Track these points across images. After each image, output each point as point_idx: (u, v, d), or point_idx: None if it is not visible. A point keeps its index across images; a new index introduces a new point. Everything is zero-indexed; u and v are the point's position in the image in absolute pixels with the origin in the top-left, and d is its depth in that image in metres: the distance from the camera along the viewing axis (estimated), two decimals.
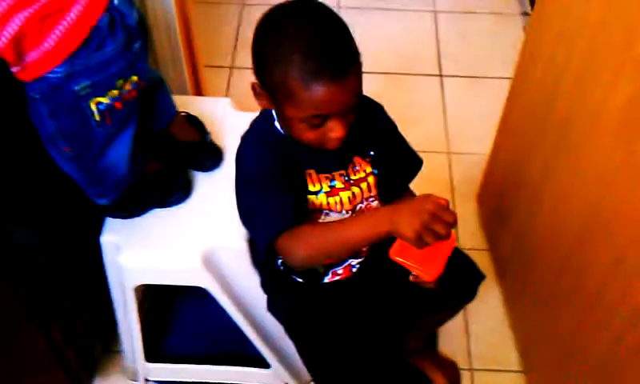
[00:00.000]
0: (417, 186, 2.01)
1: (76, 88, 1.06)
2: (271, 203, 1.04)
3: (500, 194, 1.76)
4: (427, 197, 0.94)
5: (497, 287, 1.78)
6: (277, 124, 1.09)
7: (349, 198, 1.14)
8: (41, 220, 1.27)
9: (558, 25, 1.31)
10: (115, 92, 1.10)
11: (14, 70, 1.04)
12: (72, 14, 1.00)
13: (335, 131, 0.99)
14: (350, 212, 1.15)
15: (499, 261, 1.78)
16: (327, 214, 1.14)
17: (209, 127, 1.45)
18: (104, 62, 1.06)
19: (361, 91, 1.01)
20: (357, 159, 1.15)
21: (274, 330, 1.44)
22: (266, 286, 1.33)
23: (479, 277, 1.31)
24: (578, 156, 1.25)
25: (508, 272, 1.72)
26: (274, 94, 1.00)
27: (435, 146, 2.13)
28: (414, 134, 2.06)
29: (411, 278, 1.06)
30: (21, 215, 1.20)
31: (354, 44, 0.98)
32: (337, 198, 1.13)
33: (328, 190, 1.12)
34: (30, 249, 1.25)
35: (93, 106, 1.09)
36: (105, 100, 1.10)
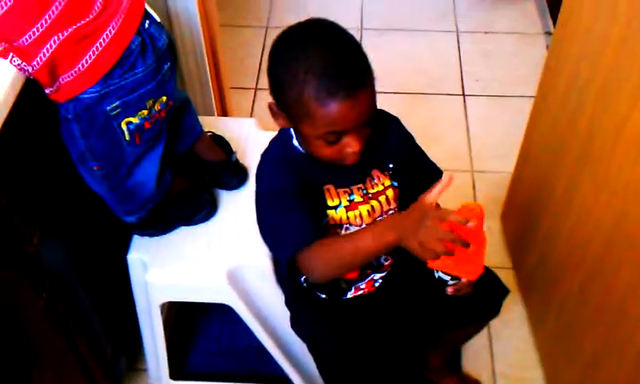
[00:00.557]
0: (443, 205, 2.01)
1: (108, 108, 1.08)
2: (290, 220, 1.06)
3: (524, 211, 1.75)
4: (426, 209, 0.93)
5: (521, 306, 1.76)
6: (295, 142, 1.11)
7: (368, 211, 1.15)
8: (70, 237, 1.30)
9: (581, 42, 1.31)
10: (145, 112, 1.13)
11: (48, 91, 1.07)
12: (105, 36, 1.03)
13: (352, 146, 1.01)
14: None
15: (524, 279, 1.77)
16: (347, 229, 1.15)
17: (234, 147, 1.47)
18: (135, 82, 1.09)
19: (375, 105, 1.02)
20: (375, 172, 1.16)
21: (298, 348, 1.45)
22: (289, 303, 1.34)
23: (504, 292, 1.31)
24: (602, 171, 1.25)
25: (532, 290, 1.71)
26: (291, 113, 1.03)
27: (459, 165, 2.14)
28: (437, 153, 2.06)
29: (449, 290, 1.09)
30: (51, 232, 1.23)
31: (367, 60, 1.00)
32: (356, 212, 1.14)
33: (347, 204, 1.13)
34: (60, 265, 1.27)
35: (123, 126, 1.12)
36: (135, 120, 1.12)
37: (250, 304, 1.38)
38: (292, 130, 1.10)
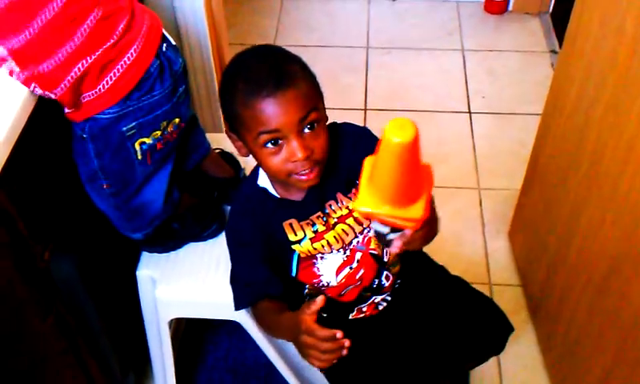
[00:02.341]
0: (449, 222, 2.01)
1: (124, 129, 1.09)
2: (244, 275, 1.15)
3: (532, 229, 1.75)
4: (299, 327, 0.97)
5: (530, 324, 1.75)
6: (259, 181, 1.13)
7: (335, 237, 1.14)
8: (80, 253, 1.30)
9: (588, 60, 1.32)
10: (158, 133, 1.14)
11: (67, 110, 1.08)
12: (126, 59, 1.04)
13: (296, 154, 0.99)
14: (342, 250, 1.16)
15: (532, 297, 1.76)
16: (323, 257, 1.16)
17: (242, 163, 1.48)
18: (152, 104, 1.10)
19: (312, 109, 1.00)
20: (339, 196, 1.14)
21: (306, 365, 1.44)
22: None
23: (509, 329, 1.28)
24: (610, 189, 1.25)
25: (541, 308, 1.70)
26: (236, 130, 1.05)
27: (465, 182, 2.14)
28: (444, 170, 2.10)
29: (394, 248, 0.89)
30: (60, 248, 1.23)
31: (302, 68, 1.01)
32: (323, 242, 1.14)
33: (312, 235, 1.13)
34: (69, 281, 1.28)
35: (137, 146, 1.13)
36: (148, 140, 1.13)
37: None
38: (259, 168, 1.12)
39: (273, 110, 0.97)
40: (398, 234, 0.87)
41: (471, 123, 2.36)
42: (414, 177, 0.80)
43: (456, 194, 2.07)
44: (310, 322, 0.95)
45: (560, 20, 2.66)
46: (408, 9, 2.87)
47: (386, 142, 0.75)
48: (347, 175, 1.14)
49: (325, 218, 1.14)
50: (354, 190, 1.14)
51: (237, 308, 1.18)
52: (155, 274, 1.35)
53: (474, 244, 1.96)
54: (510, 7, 2.82)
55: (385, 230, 0.86)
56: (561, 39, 2.60)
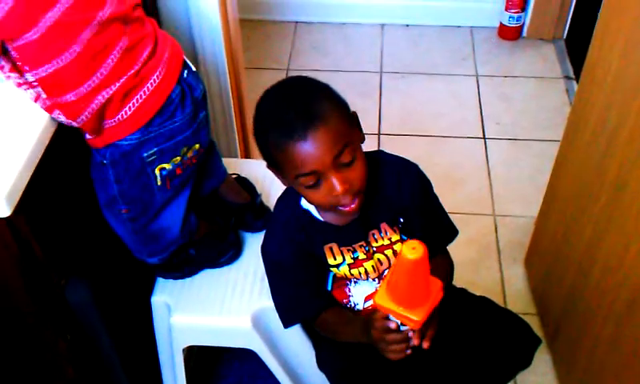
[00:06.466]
0: (464, 249, 1.99)
1: (145, 155, 1.09)
2: (289, 295, 1.18)
3: (549, 257, 1.73)
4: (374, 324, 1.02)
5: (547, 353, 1.73)
6: (302, 202, 1.13)
7: (373, 266, 1.15)
8: (95, 279, 1.29)
9: (609, 88, 1.30)
10: (178, 159, 1.14)
11: (88, 136, 1.08)
12: (149, 85, 1.04)
13: (335, 189, 1.00)
14: (377, 279, 1.17)
15: (549, 326, 1.74)
16: (356, 282, 1.17)
17: (258, 189, 1.47)
18: (173, 130, 1.10)
19: (344, 142, 0.99)
20: (384, 226, 1.15)
21: None
22: (314, 342, 1.33)
23: (536, 341, 1.27)
24: (633, 220, 1.23)
25: (559, 337, 1.68)
26: (272, 168, 1.07)
27: (480, 209, 2.12)
28: (459, 196, 2.08)
29: (410, 333, 1.04)
30: (75, 274, 1.22)
31: (331, 102, 1.00)
32: (361, 269, 1.15)
33: (351, 261, 1.14)
34: (84, 307, 1.27)
35: (157, 172, 1.13)
36: (168, 166, 1.13)
37: (274, 348, 1.36)
38: None
39: (305, 154, 0.96)
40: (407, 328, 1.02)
41: (486, 149, 2.34)
42: (421, 287, 0.95)
43: (471, 221, 2.05)
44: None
45: (574, 46, 2.66)
46: (422, 34, 2.88)
47: (401, 257, 0.91)
48: (394, 209, 1.14)
49: (367, 247, 1.15)
50: (395, 227, 1.16)
51: (286, 326, 1.20)
52: (170, 301, 1.33)
53: (489, 271, 1.94)
54: (524, 33, 2.82)
55: (398, 321, 1.01)
56: (575, 65, 2.61)
